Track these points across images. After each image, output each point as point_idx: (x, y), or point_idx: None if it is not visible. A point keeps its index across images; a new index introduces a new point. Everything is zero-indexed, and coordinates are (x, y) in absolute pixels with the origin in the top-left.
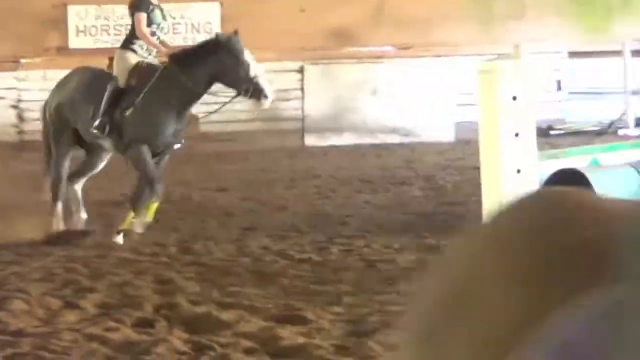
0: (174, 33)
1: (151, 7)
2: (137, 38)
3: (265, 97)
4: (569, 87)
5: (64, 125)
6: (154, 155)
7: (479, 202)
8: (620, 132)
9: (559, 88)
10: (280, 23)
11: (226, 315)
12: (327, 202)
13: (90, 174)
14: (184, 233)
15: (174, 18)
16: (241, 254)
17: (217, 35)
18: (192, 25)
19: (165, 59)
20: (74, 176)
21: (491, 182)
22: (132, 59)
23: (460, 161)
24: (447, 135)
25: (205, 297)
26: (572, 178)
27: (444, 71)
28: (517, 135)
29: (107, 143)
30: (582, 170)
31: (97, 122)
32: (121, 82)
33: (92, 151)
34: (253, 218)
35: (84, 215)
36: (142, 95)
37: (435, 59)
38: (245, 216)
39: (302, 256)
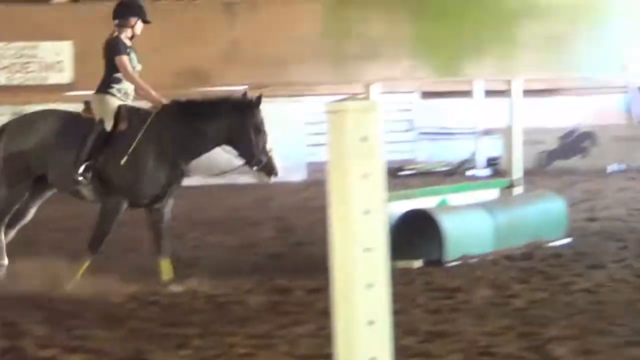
0: (25, 72)
1: (128, 49)
2: (116, 81)
3: (275, 174)
4: (420, 127)
5: (24, 172)
6: (137, 206)
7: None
8: (470, 172)
9: (410, 128)
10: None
11: (73, 359)
12: (177, 244)
13: (23, 223)
14: None
15: (20, 57)
16: (89, 296)
17: (244, 95)
18: (44, 64)
19: (149, 104)
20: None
21: (340, 223)
22: (114, 102)
23: (312, 201)
24: (299, 175)
25: (52, 340)
26: (421, 219)
27: (296, 110)
28: (366, 176)
29: (86, 190)
30: (431, 211)
31: (82, 169)
32: (108, 126)
33: (33, 199)
34: (100, 259)
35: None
36: (135, 142)
37: (288, 98)
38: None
39: (151, 298)
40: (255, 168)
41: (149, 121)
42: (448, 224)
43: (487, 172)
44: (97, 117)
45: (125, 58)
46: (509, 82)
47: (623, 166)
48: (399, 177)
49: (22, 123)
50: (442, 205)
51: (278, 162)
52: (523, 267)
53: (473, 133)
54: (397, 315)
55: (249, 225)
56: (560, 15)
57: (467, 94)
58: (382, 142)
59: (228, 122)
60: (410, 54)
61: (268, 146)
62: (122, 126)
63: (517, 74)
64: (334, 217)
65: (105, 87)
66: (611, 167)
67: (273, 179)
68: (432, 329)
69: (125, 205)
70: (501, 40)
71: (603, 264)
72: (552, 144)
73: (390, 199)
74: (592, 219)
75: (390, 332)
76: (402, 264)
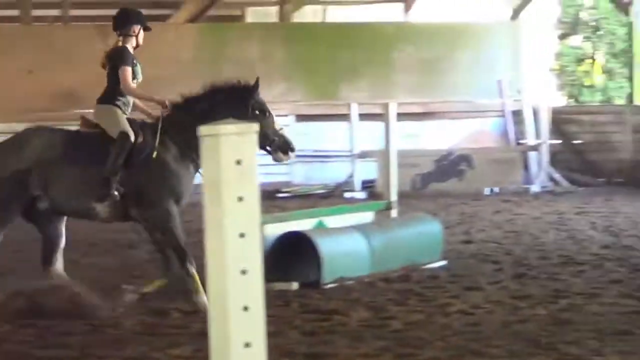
0: None
1: (135, 61)
2: (122, 93)
3: (292, 149)
4: (297, 150)
5: (17, 194)
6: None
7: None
8: (346, 194)
9: None
10: (7, 85)
11: None
12: None
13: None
14: None
15: None
16: None
17: (240, 82)
18: None
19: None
20: (49, 261)
21: (215, 246)
22: (121, 114)
23: (189, 224)
24: None
25: None
26: (298, 241)
27: None
28: (240, 199)
29: (104, 208)
30: (308, 233)
31: (113, 188)
32: (132, 138)
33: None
34: None
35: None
36: (157, 149)
37: None
38: None
39: (26, 321)
40: (270, 149)
41: (160, 127)
42: (325, 246)
43: (363, 194)
44: (108, 130)
45: (128, 70)
46: (384, 105)
47: (497, 189)
48: (277, 199)
49: (12, 143)
50: (319, 227)
51: (292, 138)
52: (399, 289)
53: (349, 156)
54: (273, 338)
55: (125, 248)
56: (436, 40)
57: (343, 117)
58: (257, 165)
59: (231, 109)
60: (285, 77)
61: (276, 126)
62: (140, 138)
63: (393, 97)
64: (209, 240)
65: (111, 98)
66: (487, 190)
67: (292, 156)
68: (308, 351)
69: (175, 209)
70: (376, 64)
71: (479, 285)
72: (428, 166)
73: (266, 222)
74: (468, 242)
75: (266, 354)
76: (279, 286)
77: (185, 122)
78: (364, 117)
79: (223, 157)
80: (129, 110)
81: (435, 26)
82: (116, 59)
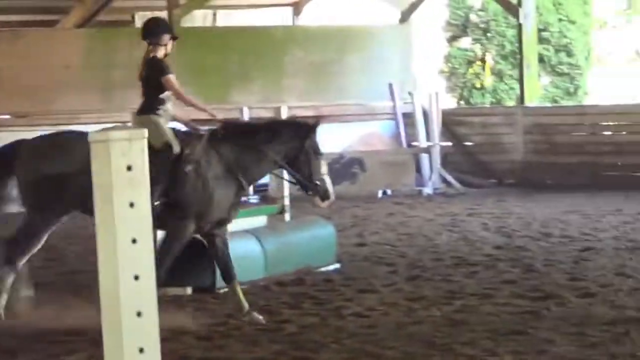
0: None
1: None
2: (162, 102)
3: (328, 198)
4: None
5: (60, 196)
6: (200, 230)
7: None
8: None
9: None
10: None
11: None
12: None
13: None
14: None
15: None
16: None
17: (306, 121)
18: None
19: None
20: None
21: (107, 252)
22: (164, 123)
23: (83, 230)
24: None
25: None
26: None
27: None
28: (132, 205)
29: None
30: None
31: (155, 197)
32: (177, 149)
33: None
34: None
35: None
36: (201, 164)
37: (54, 127)
38: None
39: None
40: (310, 193)
41: (206, 142)
42: None
43: (256, 198)
44: (151, 140)
45: (173, 77)
46: (276, 109)
47: (390, 191)
48: None
49: (55, 143)
50: None
51: (331, 187)
52: (294, 293)
53: None
54: (168, 343)
55: None
56: (326, 43)
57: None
58: (148, 170)
59: (288, 145)
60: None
61: (323, 170)
62: (187, 150)
63: (284, 101)
64: (101, 246)
65: (152, 108)
66: (380, 193)
67: (327, 204)
68: (203, 355)
69: (192, 228)
70: (267, 68)
71: (373, 288)
72: None
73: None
74: (361, 244)
75: (160, 359)
76: (173, 291)
77: (239, 143)
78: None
79: (114, 163)
80: (170, 119)
81: (325, 30)
82: (155, 70)
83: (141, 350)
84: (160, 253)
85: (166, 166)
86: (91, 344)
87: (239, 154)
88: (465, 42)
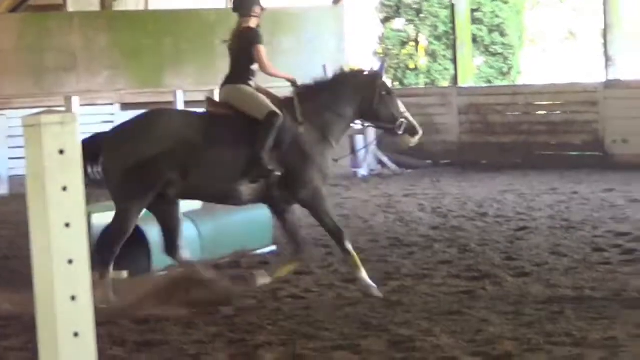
0: None
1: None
2: (252, 73)
3: (417, 132)
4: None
5: (154, 179)
6: None
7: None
8: None
9: None
10: None
11: None
12: None
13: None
14: None
15: None
16: None
17: (372, 70)
18: None
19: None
20: (174, 249)
21: (40, 237)
22: (259, 93)
23: (15, 215)
24: (1, 189)
25: None
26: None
27: None
28: (65, 189)
29: (249, 189)
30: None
31: (271, 167)
32: (281, 116)
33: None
34: None
35: None
36: (301, 126)
37: None
38: None
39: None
40: (400, 132)
41: (297, 106)
42: (153, 234)
43: None
44: (249, 110)
45: (264, 49)
46: (210, 92)
47: None
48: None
49: (140, 127)
50: (147, 216)
51: (415, 121)
52: (230, 276)
53: None
54: (104, 327)
55: None
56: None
57: (168, 105)
58: (81, 154)
59: (361, 92)
60: (108, 65)
61: (402, 107)
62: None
63: (218, 84)
64: (34, 230)
65: (244, 77)
66: None
67: (417, 140)
68: (140, 339)
69: (323, 187)
70: (201, 51)
71: (309, 269)
72: None
73: (93, 211)
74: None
75: (95, 343)
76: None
77: (318, 102)
78: (189, 104)
79: (45, 147)
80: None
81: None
82: (251, 39)
83: (76, 335)
84: (321, 221)
85: (279, 134)
86: (25, 329)
87: (321, 112)
88: (398, 23)
